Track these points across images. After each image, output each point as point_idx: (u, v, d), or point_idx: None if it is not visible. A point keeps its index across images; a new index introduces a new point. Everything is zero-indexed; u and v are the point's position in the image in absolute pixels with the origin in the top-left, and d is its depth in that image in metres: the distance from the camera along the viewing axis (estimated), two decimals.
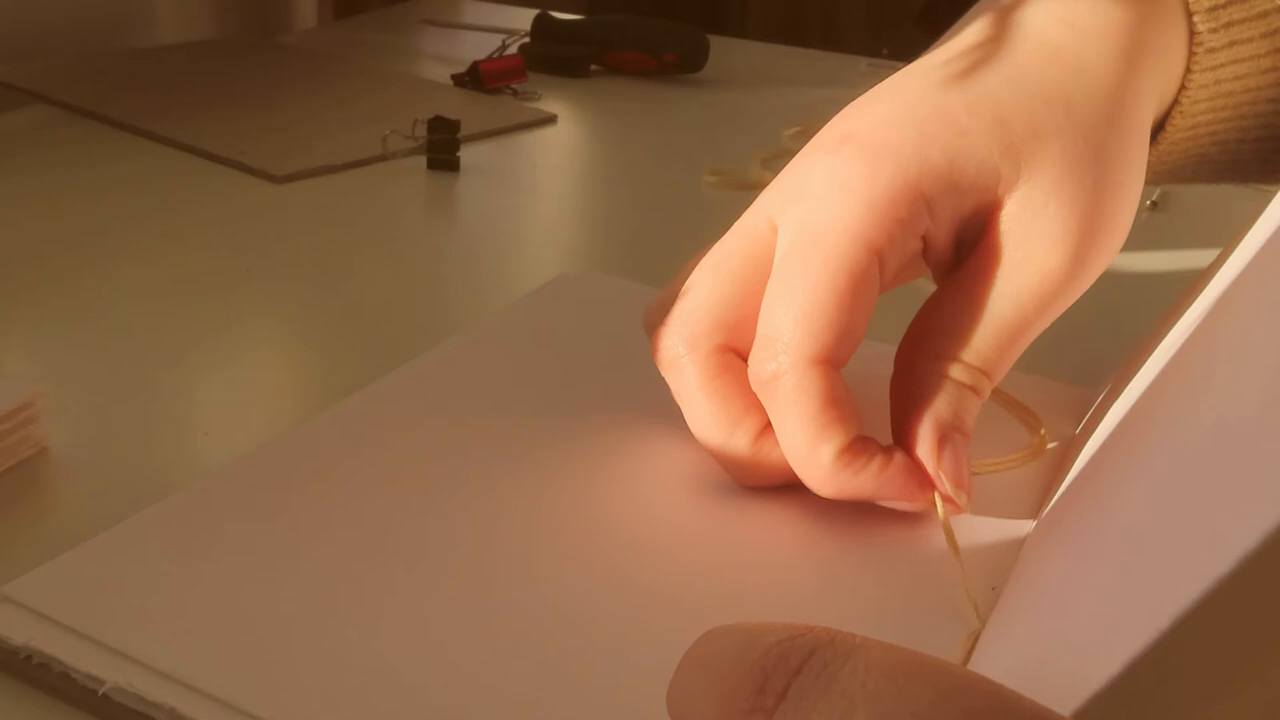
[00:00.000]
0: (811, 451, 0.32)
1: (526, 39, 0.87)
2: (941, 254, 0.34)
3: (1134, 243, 0.57)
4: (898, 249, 0.33)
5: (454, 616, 0.29)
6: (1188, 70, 0.37)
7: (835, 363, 0.32)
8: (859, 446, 0.32)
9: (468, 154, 0.65)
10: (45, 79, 0.73)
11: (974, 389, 0.33)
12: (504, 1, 1.06)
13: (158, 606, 0.29)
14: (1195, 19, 0.36)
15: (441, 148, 0.64)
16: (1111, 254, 0.35)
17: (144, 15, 0.88)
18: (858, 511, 0.34)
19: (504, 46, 0.85)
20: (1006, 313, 0.33)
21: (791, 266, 0.33)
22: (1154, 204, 0.66)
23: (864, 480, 0.32)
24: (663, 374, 0.35)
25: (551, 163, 0.72)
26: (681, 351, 0.34)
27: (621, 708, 0.27)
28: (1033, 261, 0.33)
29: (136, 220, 0.56)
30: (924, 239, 0.34)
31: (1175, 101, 0.37)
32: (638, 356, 0.38)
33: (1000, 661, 0.26)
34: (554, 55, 0.86)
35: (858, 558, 0.33)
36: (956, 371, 0.33)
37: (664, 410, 0.36)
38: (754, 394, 0.33)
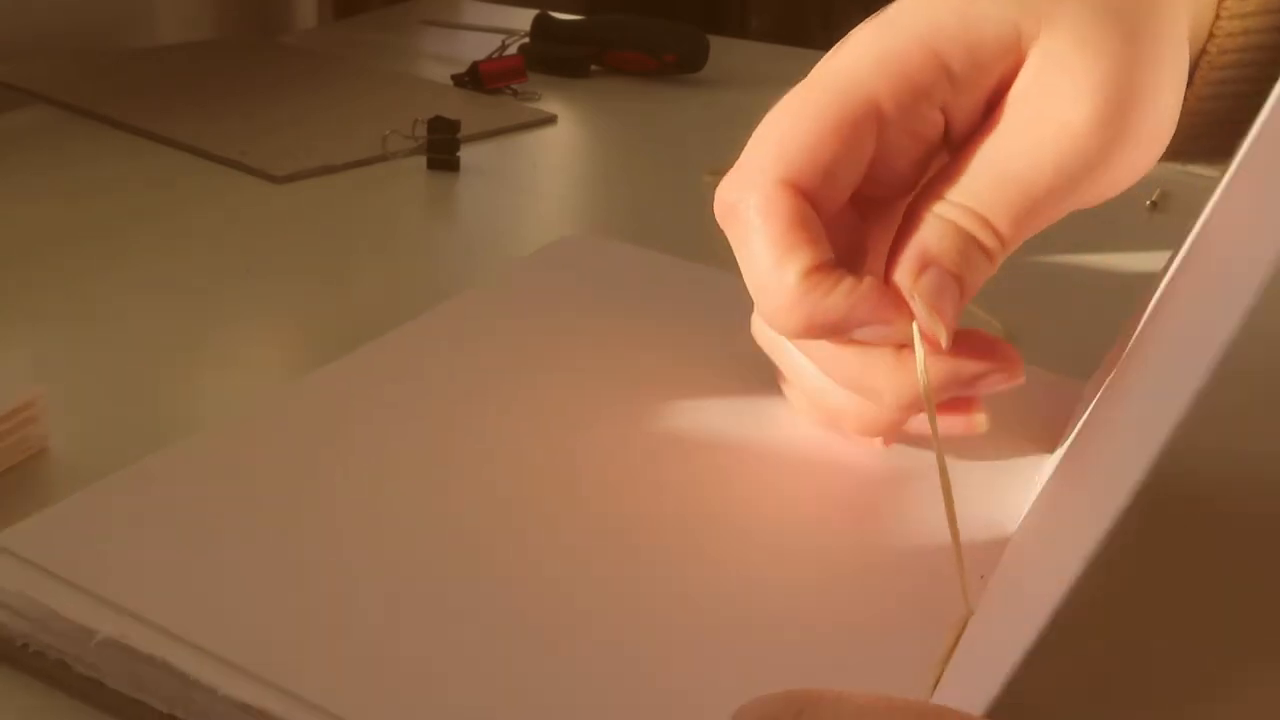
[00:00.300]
0: (776, 274, 0.30)
1: (526, 39, 0.87)
2: (965, 134, 0.32)
3: (1134, 243, 0.57)
4: (905, 110, 0.31)
5: (446, 574, 0.29)
6: (1216, 17, 0.34)
7: (809, 194, 0.31)
8: (827, 268, 0.30)
9: (468, 154, 0.65)
10: (45, 79, 0.73)
11: (979, 242, 0.31)
12: (504, 1, 1.06)
13: (152, 558, 0.29)
14: None
15: (441, 148, 0.64)
16: (1148, 141, 0.32)
17: (144, 15, 0.88)
18: (852, 495, 0.34)
19: (504, 47, 0.85)
20: (1020, 168, 0.30)
21: (784, 103, 0.32)
22: (1154, 204, 0.65)
23: (833, 302, 0.30)
24: (721, 225, 0.33)
25: (551, 163, 0.72)
26: (738, 193, 0.32)
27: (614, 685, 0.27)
28: (1052, 115, 0.30)
29: (137, 220, 0.56)
30: (945, 115, 0.32)
31: (1203, 50, 0.35)
32: (637, 318, 0.38)
33: (979, 658, 0.26)
34: (554, 55, 0.86)
35: (853, 542, 0.33)
36: (957, 215, 0.31)
37: (663, 376, 0.36)
38: (811, 233, 0.31)
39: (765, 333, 0.36)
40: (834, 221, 0.32)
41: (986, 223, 0.31)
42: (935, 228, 0.30)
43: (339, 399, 0.37)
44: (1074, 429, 0.36)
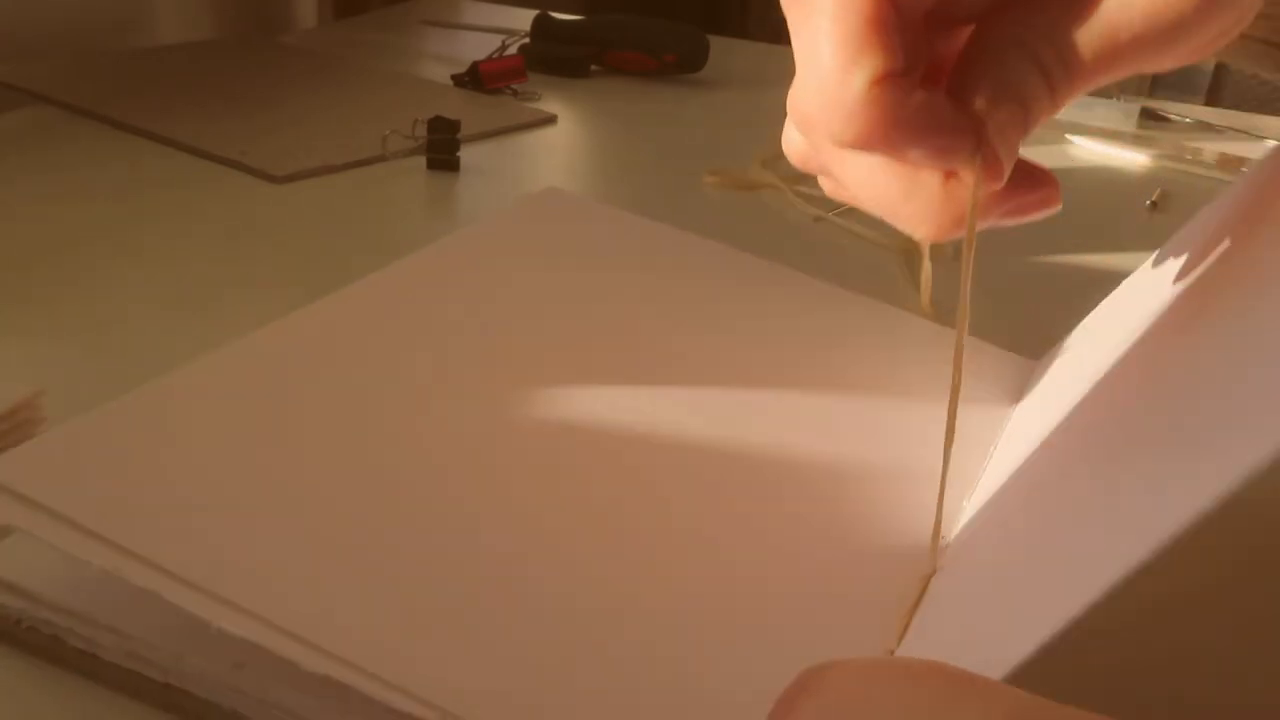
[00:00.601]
0: (842, 75, 0.27)
1: (526, 39, 0.87)
2: None
3: (1134, 243, 0.57)
4: None
5: (436, 506, 0.30)
6: None
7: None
8: (898, 77, 0.27)
9: (468, 154, 0.65)
10: (45, 79, 0.73)
11: (1052, 79, 0.29)
12: (504, 1, 1.06)
13: (141, 491, 0.28)
14: None
15: (441, 148, 0.64)
16: (1243, 7, 0.30)
17: (144, 15, 0.88)
18: (830, 468, 0.35)
19: (504, 47, 0.85)
20: (1110, 10, 0.28)
21: None
22: (1154, 204, 0.66)
23: (903, 115, 0.27)
24: (784, 4, 0.30)
25: (551, 163, 0.72)
26: None
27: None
28: None
29: (136, 220, 0.56)
30: None
31: None
32: (610, 271, 0.39)
33: (946, 616, 0.27)
34: (554, 55, 0.86)
35: (827, 503, 0.33)
36: (1037, 46, 0.28)
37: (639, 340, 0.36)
38: (888, 36, 0.28)
39: (796, 142, 0.32)
40: (908, 34, 0.29)
41: (1063, 60, 0.29)
42: (1013, 56, 0.28)
43: (321, 338, 0.36)
44: (1031, 403, 0.37)
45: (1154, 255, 0.38)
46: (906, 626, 0.29)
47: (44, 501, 0.26)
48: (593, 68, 0.87)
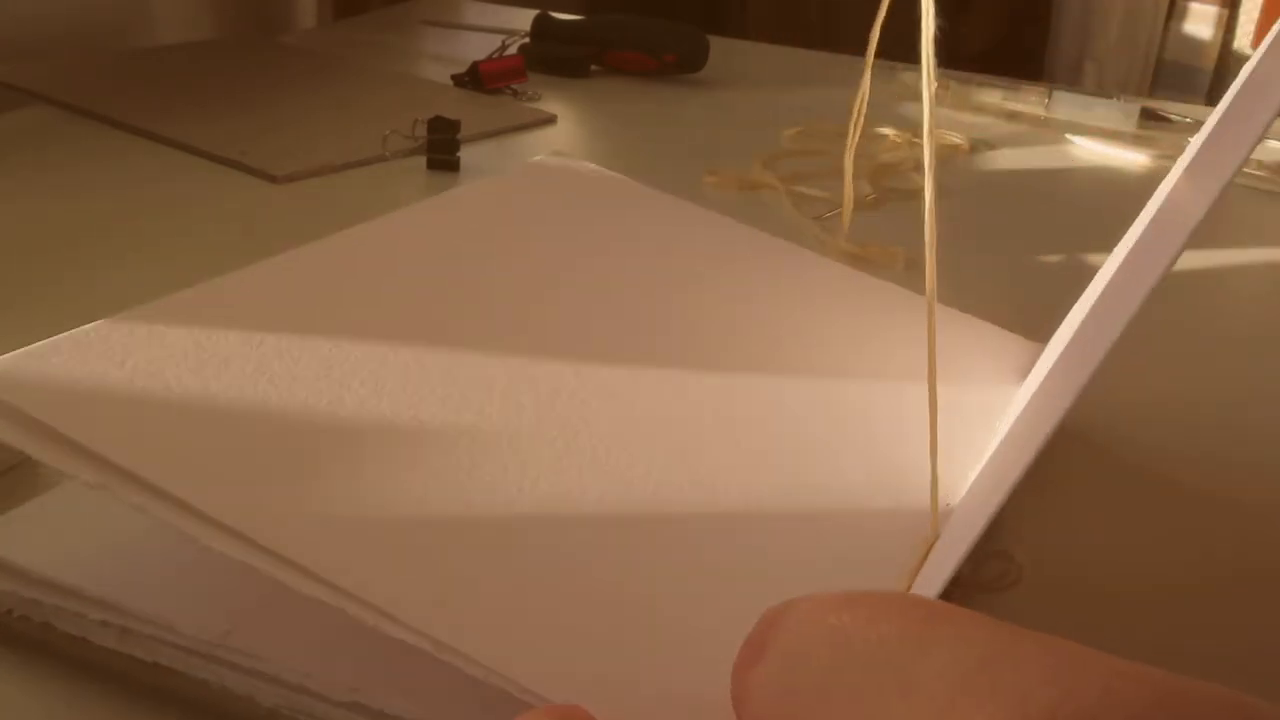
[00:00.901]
0: None
1: (526, 39, 0.87)
2: None
3: None
4: None
5: (438, 437, 0.29)
6: None
7: None
8: None
9: (468, 154, 0.65)
10: (45, 79, 0.73)
11: None
12: (504, 1, 1.06)
13: (132, 408, 0.27)
14: None
15: (441, 148, 0.64)
16: None
17: (144, 15, 0.88)
18: (819, 419, 0.35)
19: (504, 47, 0.85)
20: None
21: None
22: None
23: None
24: None
25: None
26: None
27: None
28: None
29: (136, 220, 0.55)
30: None
31: None
32: (611, 237, 0.41)
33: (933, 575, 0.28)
34: (554, 55, 0.86)
35: (827, 462, 0.34)
36: None
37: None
38: None
39: None
40: None
41: None
42: None
43: (327, 271, 0.37)
44: (1031, 385, 0.38)
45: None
46: (909, 587, 0.29)
47: (28, 410, 0.25)
48: (593, 68, 0.87)
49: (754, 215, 0.62)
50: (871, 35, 0.32)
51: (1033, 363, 0.42)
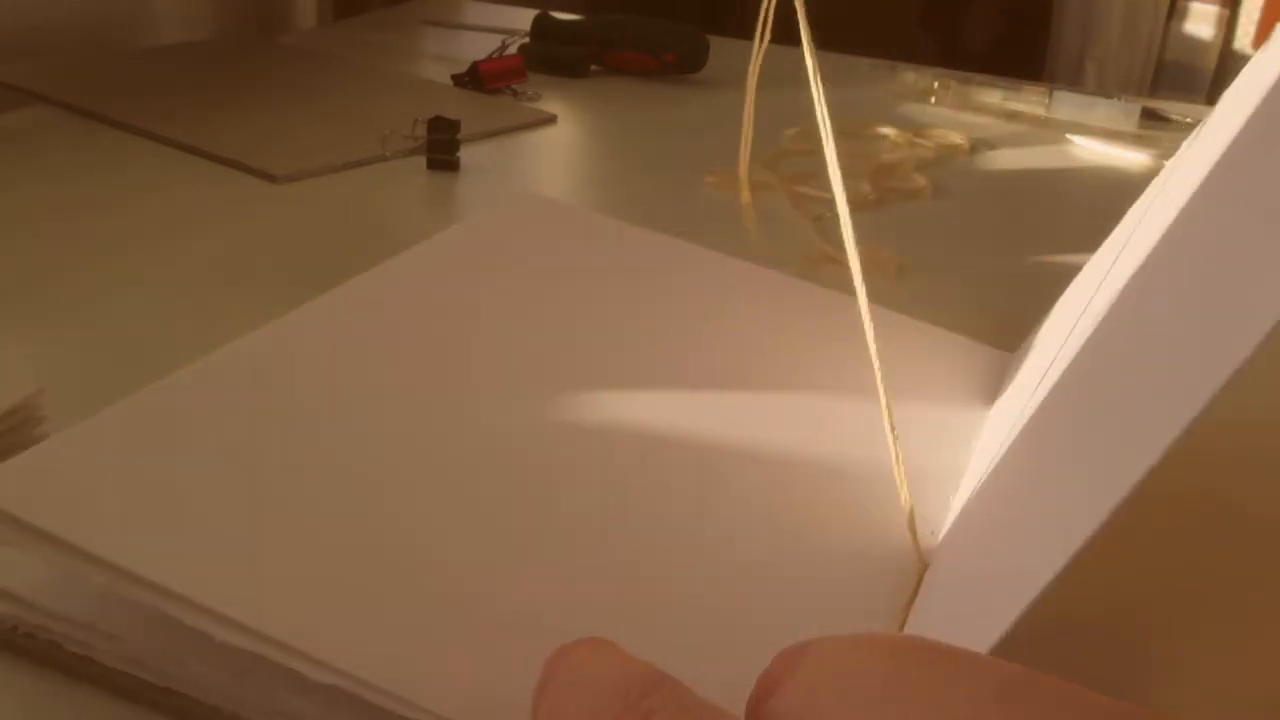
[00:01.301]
0: None
1: (526, 39, 0.87)
2: None
3: None
4: None
5: (432, 516, 0.29)
6: None
7: None
8: None
9: (468, 154, 0.65)
10: (45, 79, 0.73)
11: None
12: (504, 1, 1.06)
13: (131, 506, 0.27)
14: None
15: (441, 148, 0.64)
16: None
17: (144, 15, 0.88)
18: (791, 448, 0.35)
19: (504, 46, 0.85)
20: None
21: None
22: None
23: None
24: None
25: (551, 163, 0.72)
26: None
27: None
28: None
29: (136, 220, 0.55)
30: None
31: None
32: (585, 276, 0.41)
33: (936, 605, 0.27)
34: (554, 55, 0.86)
35: (803, 505, 0.34)
36: None
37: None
38: None
39: None
40: None
41: None
42: None
43: (304, 346, 0.36)
44: (1008, 395, 0.38)
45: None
46: (903, 625, 0.29)
47: (34, 521, 0.25)
48: (593, 68, 0.87)
49: (754, 215, 0.62)
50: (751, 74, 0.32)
51: (1004, 375, 0.41)
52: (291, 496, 0.29)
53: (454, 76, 0.81)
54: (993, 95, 0.84)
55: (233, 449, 0.30)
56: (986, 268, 0.58)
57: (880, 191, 0.66)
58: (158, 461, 0.29)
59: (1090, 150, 0.78)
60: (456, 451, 0.32)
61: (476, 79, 0.80)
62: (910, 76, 0.84)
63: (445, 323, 0.39)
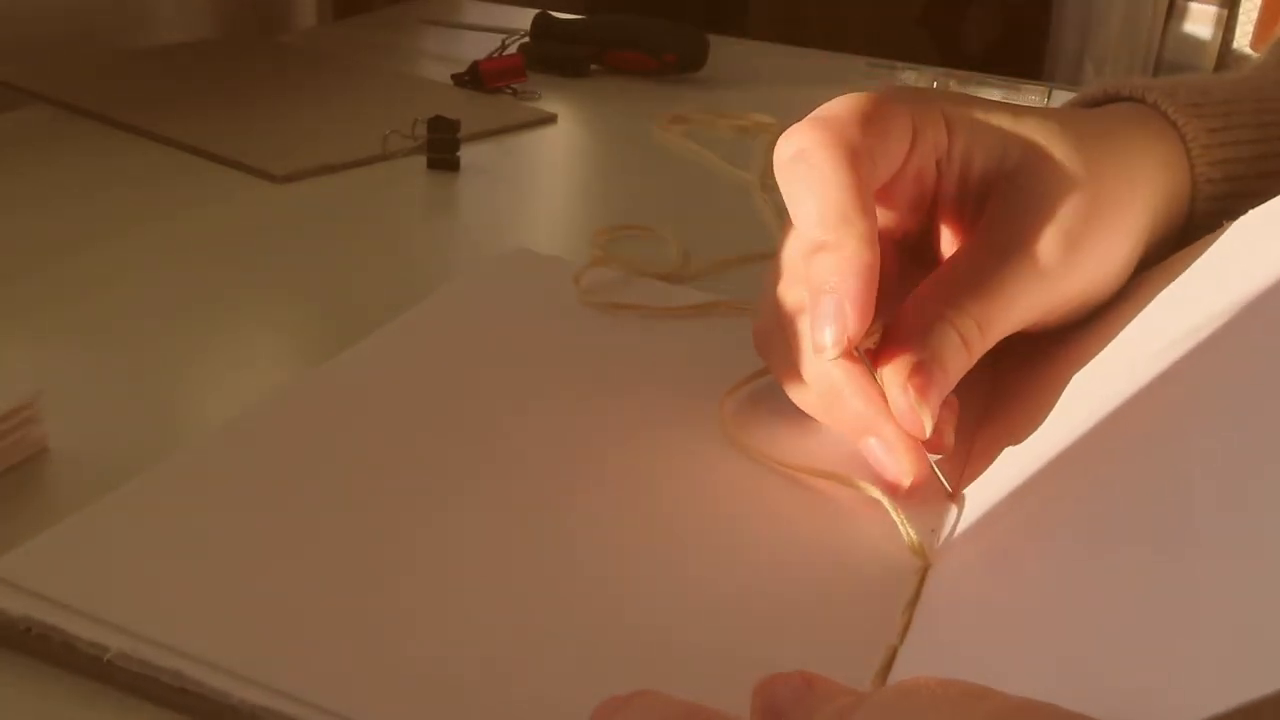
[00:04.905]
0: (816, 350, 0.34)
1: (526, 39, 0.87)
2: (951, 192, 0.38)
3: None
4: (922, 138, 0.36)
5: (449, 575, 0.30)
6: (1192, 166, 0.40)
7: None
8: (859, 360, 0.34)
9: (468, 154, 0.65)
10: (45, 79, 0.73)
11: (969, 345, 0.35)
12: (504, 1, 1.06)
13: (153, 576, 0.29)
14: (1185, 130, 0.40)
15: (441, 147, 0.64)
16: (1102, 284, 0.37)
17: (144, 15, 0.88)
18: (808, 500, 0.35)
19: (504, 46, 0.85)
20: (1000, 288, 0.35)
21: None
22: None
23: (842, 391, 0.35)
24: (778, 178, 0.35)
25: (551, 162, 0.72)
26: (800, 144, 0.34)
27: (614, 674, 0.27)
28: (1026, 252, 0.36)
29: (136, 220, 0.55)
30: (937, 182, 0.38)
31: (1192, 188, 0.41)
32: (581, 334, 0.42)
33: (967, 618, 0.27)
34: (554, 55, 0.86)
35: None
36: (954, 318, 0.35)
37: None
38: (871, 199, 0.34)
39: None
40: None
41: (980, 327, 0.35)
42: (939, 330, 0.35)
43: (326, 410, 0.37)
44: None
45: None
46: (908, 624, 0.29)
47: (57, 597, 0.27)
48: (593, 67, 0.87)
49: (754, 215, 0.62)
50: None
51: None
52: (303, 565, 0.30)
53: (454, 76, 0.81)
54: (992, 95, 0.84)
55: (242, 523, 0.32)
56: None
57: None
58: (172, 537, 0.31)
59: None
60: (458, 524, 0.33)
61: (476, 78, 0.80)
62: (910, 76, 0.84)
63: (438, 398, 0.39)
